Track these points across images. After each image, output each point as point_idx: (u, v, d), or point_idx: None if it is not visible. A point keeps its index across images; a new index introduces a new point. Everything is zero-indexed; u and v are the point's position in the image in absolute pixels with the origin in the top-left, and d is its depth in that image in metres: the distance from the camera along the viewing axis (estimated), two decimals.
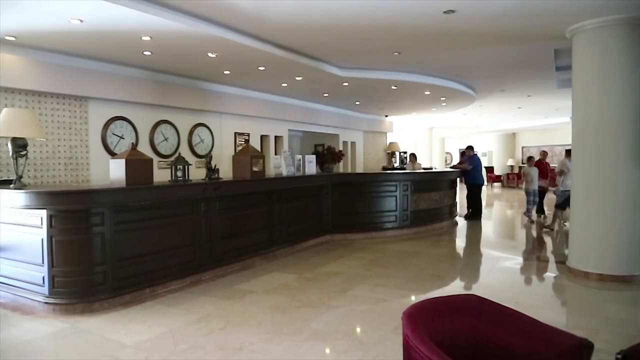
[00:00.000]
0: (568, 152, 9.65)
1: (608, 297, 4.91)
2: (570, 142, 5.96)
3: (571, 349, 1.94)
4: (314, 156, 7.98)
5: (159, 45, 5.90)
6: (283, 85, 9.17)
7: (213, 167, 5.90)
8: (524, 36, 6.07)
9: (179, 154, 7.23)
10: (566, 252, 6.89)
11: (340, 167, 12.19)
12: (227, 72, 7.80)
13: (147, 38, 5.55)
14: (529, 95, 11.85)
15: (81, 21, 4.86)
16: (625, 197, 5.30)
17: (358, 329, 3.96)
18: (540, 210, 10.80)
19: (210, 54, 6.40)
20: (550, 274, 6.00)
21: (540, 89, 10.75)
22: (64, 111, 6.57)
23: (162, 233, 5.00)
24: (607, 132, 5.31)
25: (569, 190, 9.24)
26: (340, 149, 12.99)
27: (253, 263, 6.17)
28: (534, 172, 10.17)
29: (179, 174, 5.37)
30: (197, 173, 7.39)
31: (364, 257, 6.71)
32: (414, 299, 4.81)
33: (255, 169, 6.26)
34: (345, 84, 8.94)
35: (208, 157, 6.16)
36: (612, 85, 5.29)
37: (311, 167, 7.73)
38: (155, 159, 7.48)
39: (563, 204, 9.35)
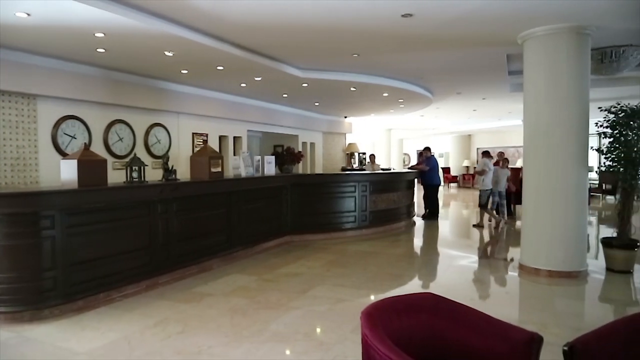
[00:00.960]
0: (485, 153, 9.99)
1: (557, 292, 5.14)
2: (521, 144, 6.19)
3: (523, 342, 2.02)
4: (273, 157, 7.98)
5: (113, 42, 5.71)
6: (242, 85, 9.09)
7: (170, 168, 5.78)
8: (478, 41, 6.26)
9: (135, 154, 7.00)
10: (509, 250, 7.20)
11: (299, 168, 12.20)
12: (185, 72, 7.65)
13: (101, 35, 5.36)
14: (483, 98, 12.21)
15: (28, 15, 4.64)
16: (573, 197, 5.55)
17: (318, 330, 3.97)
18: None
19: (167, 53, 6.26)
20: (504, 271, 6.21)
21: (494, 93, 11.09)
22: (10, 109, 6.24)
23: (117, 236, 4.85)
24: (555, 134, 5.54)
25: (489, 189, 9.62)
26: (300, 149, 12.99)
27: (211, 265, 6.08)
28: (502, 173, 10.31)
29: (135, 175, 5.22)
30: (153, 174, 7.19)
31: (323, 257, 6.74)
32: (372, 298, 4.87)
33: (213, 169, 6.17)
34: (305, 84, 8.94)
35: (165, 157, 6.02)
36: (560, 90, 5.54)
37: (270, 167, 7.69)
38: (110, 159, 7.25)
39: (486, 203, 9.67)
